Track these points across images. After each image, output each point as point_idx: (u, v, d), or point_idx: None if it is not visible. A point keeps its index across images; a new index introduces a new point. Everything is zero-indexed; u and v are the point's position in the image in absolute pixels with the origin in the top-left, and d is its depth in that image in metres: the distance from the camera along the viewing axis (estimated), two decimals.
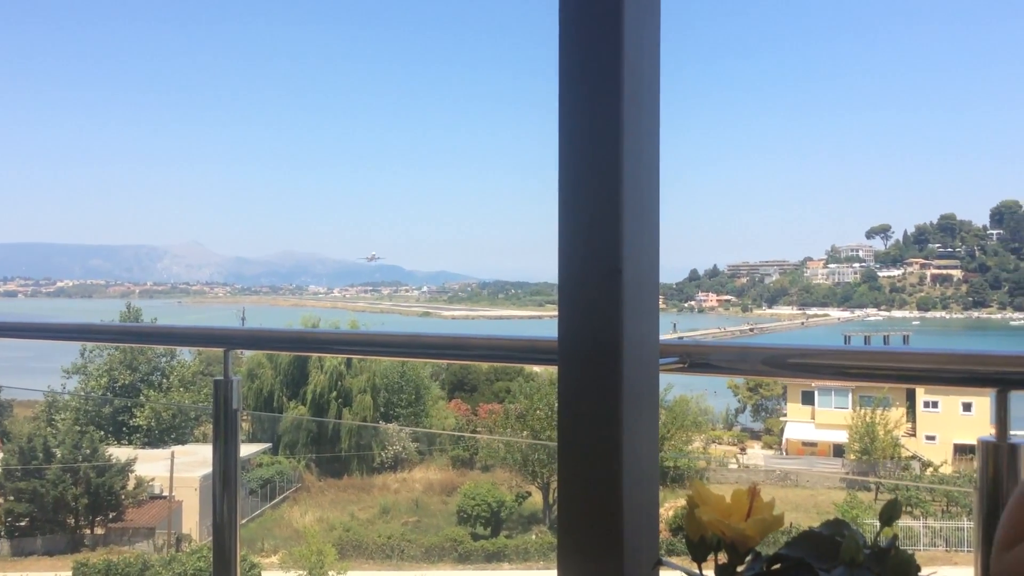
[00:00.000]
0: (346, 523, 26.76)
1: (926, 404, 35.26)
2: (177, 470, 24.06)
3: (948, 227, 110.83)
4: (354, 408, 34.48)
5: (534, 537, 26.09)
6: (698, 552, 1.35)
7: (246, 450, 27.67)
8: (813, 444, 37.20)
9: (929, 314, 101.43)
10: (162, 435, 32.17)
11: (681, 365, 1.74)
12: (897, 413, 34.08)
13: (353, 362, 34.49)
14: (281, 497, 28.33)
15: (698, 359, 1.76)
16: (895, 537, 1.26)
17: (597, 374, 1.45)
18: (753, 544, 1.31)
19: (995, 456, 1.49)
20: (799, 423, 38.44)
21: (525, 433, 29.85)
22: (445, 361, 25.12)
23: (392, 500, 28.85)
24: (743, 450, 38.22)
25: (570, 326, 1.49)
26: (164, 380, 34.93)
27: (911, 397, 34.84)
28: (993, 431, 1.55)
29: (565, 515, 1.47)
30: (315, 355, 31.05)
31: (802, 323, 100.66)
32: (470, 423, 35.52)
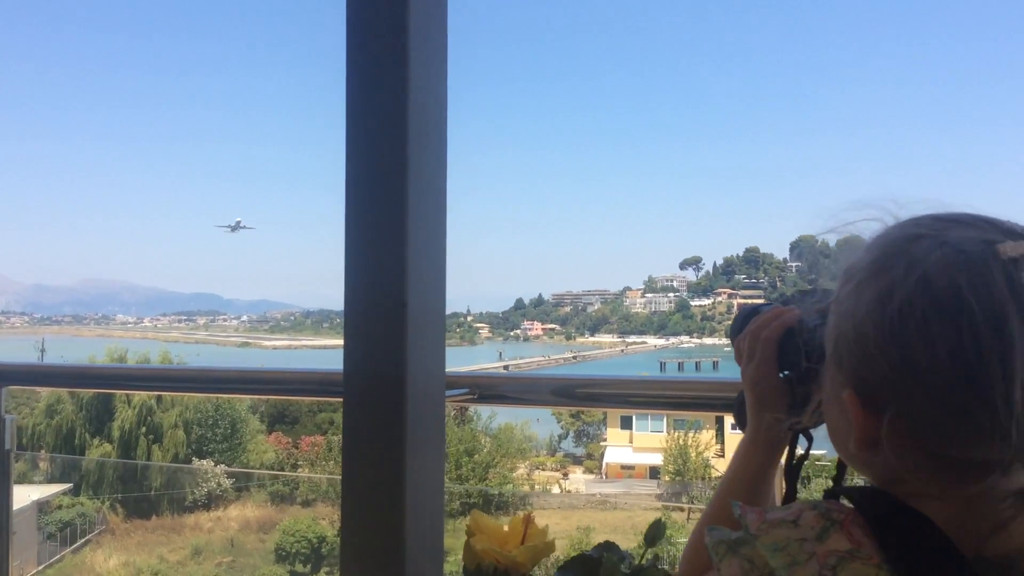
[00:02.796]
0: (154, 566, 25.32)
1: (733, 426, 37.03)
2: None
3: (752, 259, 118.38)
4: (165, 444, 32.69)
5: None
6: None
7: (44, 491, 25.77)
8: (631, 467, 38.51)
9: None
10: None
11: (471, 396, 1.78)
12: (707, 435, 35.79)
13: (164, 396, 32.77)
14: (83, 541, 26.61)
15: (488, 390, 1.81)
16: (656, 557, 1.34)
17: (382, 406, 1.46)
18: (525, 570, 1.35)
19: None
20: (618, 447, 39.74)
21: None
22: (232, 396, 24.44)
23: (205, 540, 27.53)
24: (565, 475, 39.04)
25: (355, 359, 1.50)
26: None
27: (720, 420, 36.60)
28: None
29: (348, 546, 1.47)
30: (95, 391, 29.39)
31: (622, 351, 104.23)
32: (291, 457, 34.44)
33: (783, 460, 1.20)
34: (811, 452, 1.16)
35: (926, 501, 0.84)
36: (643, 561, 1.32)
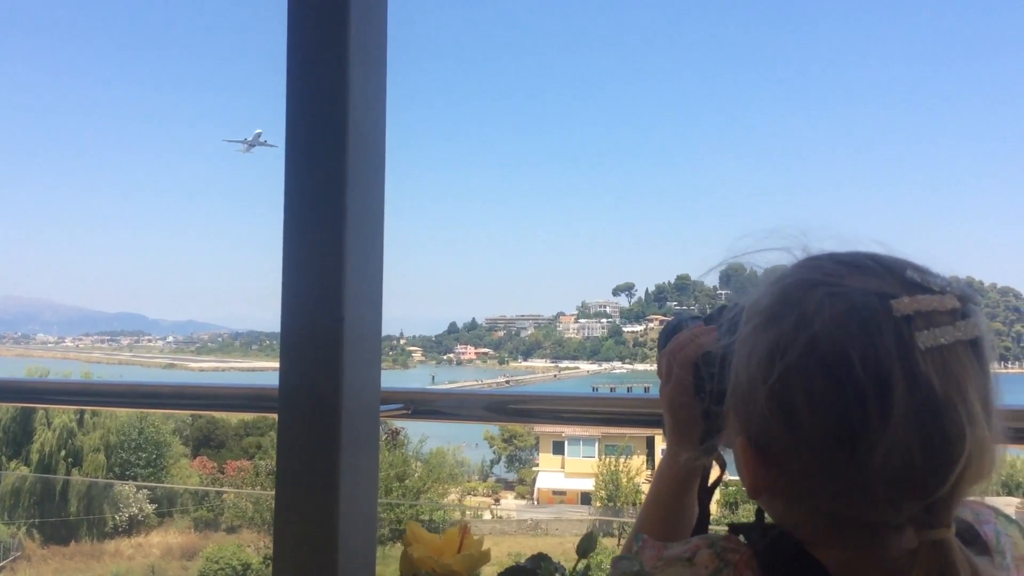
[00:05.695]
0: None
1: (664, 451, 37.65)
2: None
3: (683, 286, 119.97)
4: (86, 468, 31.66)
5: None
6: None
7: None
8: (563, 493, 38.53)
9: None
10: None
11: (405, 412, 1.79)
12: (638, 461, 36.00)
13: (85, 419, 31.78)
14: None
15: (422, 406, 1.83)
16: (588, 566, 1.37)
17: (317, 420, 1.46)
18: None
19: None
20: (550, 472, 39.76)
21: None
22: (164, 411, 23.82)
23: (125, 567, 26.71)
24: (497, 500, 38.88)
25: (291, 373, 1.50)
26: None
27: (650, 445, 36.99)
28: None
29: (281, 560, 1.47)
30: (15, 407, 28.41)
31: (555, 375, 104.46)
32: (216, 482, 33.61)
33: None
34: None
35: (823, 549, 0.84)
36: (575, 572, 1.36)
